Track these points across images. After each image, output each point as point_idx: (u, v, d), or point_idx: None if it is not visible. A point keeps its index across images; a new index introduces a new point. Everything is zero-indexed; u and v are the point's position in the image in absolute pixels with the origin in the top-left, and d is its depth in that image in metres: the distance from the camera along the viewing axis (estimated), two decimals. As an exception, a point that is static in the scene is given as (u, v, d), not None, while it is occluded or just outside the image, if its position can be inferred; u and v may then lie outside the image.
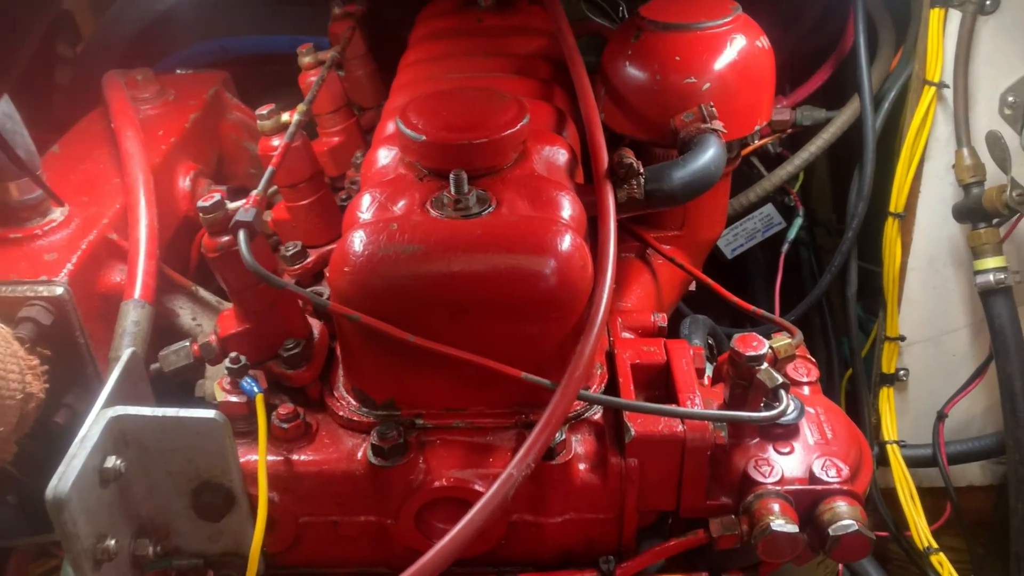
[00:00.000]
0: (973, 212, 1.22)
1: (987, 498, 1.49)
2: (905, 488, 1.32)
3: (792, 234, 1.49)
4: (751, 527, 0.83)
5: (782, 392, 0.84)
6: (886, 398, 1.40)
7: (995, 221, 1.22)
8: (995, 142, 1.20)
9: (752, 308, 1.06)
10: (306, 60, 1.24)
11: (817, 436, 0.91)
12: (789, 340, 0.91)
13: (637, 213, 0.99)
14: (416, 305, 0.83)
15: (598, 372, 0.94)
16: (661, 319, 1.05)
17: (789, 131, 1.42)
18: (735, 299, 1.08)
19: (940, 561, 1.24)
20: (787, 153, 1.54)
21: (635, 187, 0.96)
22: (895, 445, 1.37)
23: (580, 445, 0.89)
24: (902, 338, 1.38)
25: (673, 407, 0.84)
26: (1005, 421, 1.22)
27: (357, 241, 0.84)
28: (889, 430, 1.39)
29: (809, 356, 1.02)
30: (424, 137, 0.90)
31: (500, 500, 0.73)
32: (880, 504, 1.36)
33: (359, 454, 0.87)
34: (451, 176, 0.86)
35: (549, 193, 0.91)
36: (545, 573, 0.88)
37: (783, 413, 0.83)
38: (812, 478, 0.86)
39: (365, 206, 0.90)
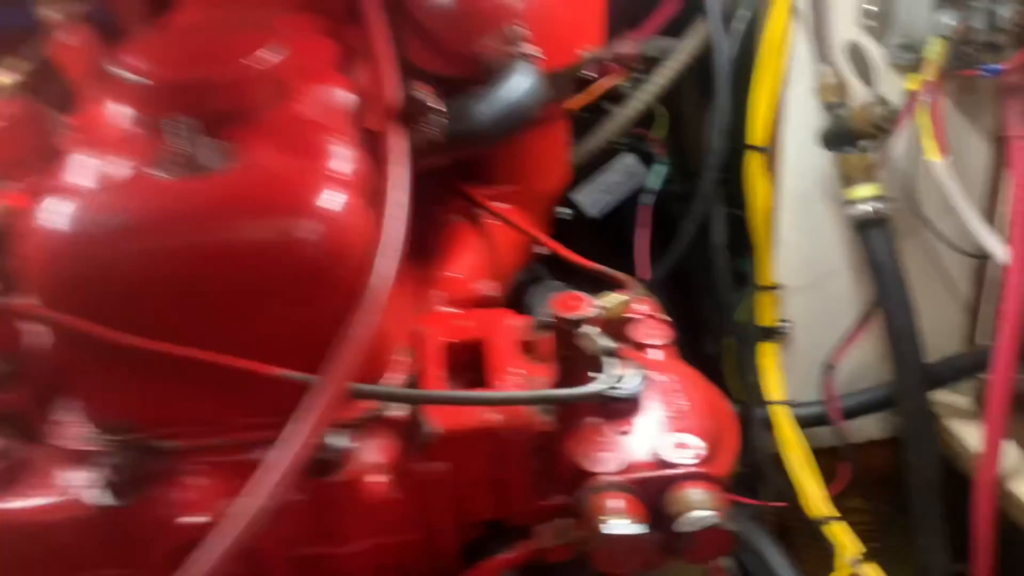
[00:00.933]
0: (840, 137, 1.09)
1: (889, 452, 1.37)
2: (796, 452, 1.19)
3: (655, 184, 1.34)
4: (586, 530, 0.66)
5: (607, 361, 0.68)
6: (768, 354, 1.27)
7: (865, 144, 1.09)
8: (856, 56, 1.06)
9: (590, 264, 0.90)
10: (51, 15, 1.02)
11: (668, 409, 0.75)
12: (619, 298, 0.75)
13: (444, 161, 0.82)
14: (132, 293, 0.64)
15: (402, 359, 0.77)
16: (489, 287, 0.89)
17: (639, 67, 1.26)
18: (573, 255, 0.92)
19: (835, 531, 1.11)
20: (647, 95, 1.39)
21: (433, 128, 0.79)
22: (783, 406, 1.24)
23: (376, 452, 0.71)
24: (779, 286, 1.24)
25: (471, 392, 0.68)
26: (893, 367, 1.10)
27: (48, 216, 0.65)
28: (773, 390, 1.25)
29: (663, 316, 0.86)
30: (146, 79, 0.71)
31: (234, 541, 0.55)
32: (773, 473, 1.23)
33: (85, 494, 0.67)
34: (173, 125, 0.67)
35: (318, 141, 0.73)
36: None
37: (611, 386, 0.67)
38: (660, 462, 0.70)
39: (67, 172, 0.70)
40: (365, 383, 0.71)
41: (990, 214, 1.20)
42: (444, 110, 0.78)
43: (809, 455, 1.19)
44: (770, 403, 1.25)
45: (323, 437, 0.66)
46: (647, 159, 1.43)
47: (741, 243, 1.31)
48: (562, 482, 0.71)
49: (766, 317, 1.26)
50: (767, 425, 1.25)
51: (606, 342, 0.69)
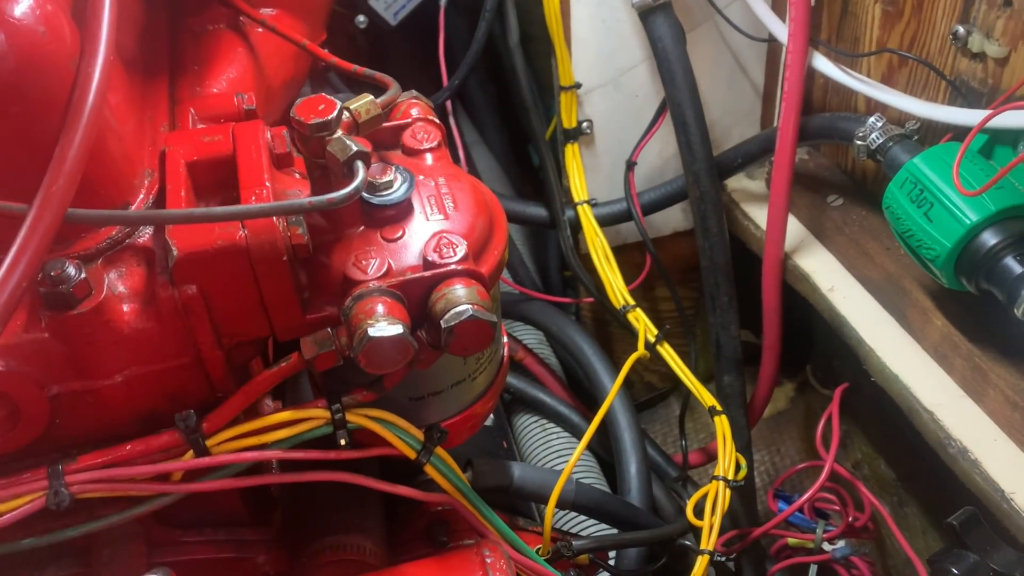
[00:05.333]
0: (622, -80, 1.05)
1: (694, 242, 1.44)
2: (598, 248, 1.22)
3: (449, -16, 1.27)
4: (351, 337, 0.66)
5: (359, 165, 0.65)
6: (572, 155, 1.27)
7: (648, -72, 1.06)
8: None
9: (353, 67, 0.85)
10: None
11: (436, 212, 0.74)
12: (369, 98, 0.71)
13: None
14: None
15: (146, 181, 0.72)
16: (248, 100, 0.83)
17: None
18: (333, 59, 0.86)
19: (636, 317, 1.17)
20: None
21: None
22: (586, 205, 1.26)
23: (123, 281, 0.67)
24: (578, 85, 1.23)
25: (206, 209, 0.64)
26: (682, 155, 1.12)
27: None
28: (579, 190, 1.27)
29: (433, 118, 0.83)
30: None
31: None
32: (580, 270, 1.26)
33: None
34: None
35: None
36: (110, 449, 0.68)
37: (358, 191, 0.64)
38: (425, 263, 0.70)
39: None
40: (100, 207, 0.67)
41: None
42: None
43: (609, 252, 1.22)
44: (576, 204, 1.27)
45: (56, 268, 0.62)
46: (441, -42, 1.35)
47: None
48: (331, 293, 0.70)
49: (568, 118, 1.26)
50: (574, 227, 1.27)
51: (357, 146, 0.66)
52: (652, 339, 1.15)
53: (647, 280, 1.37)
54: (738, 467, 1.03)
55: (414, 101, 0.85)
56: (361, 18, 1.34)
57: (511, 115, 1.56)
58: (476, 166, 1.73)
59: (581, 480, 1.24)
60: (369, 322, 0.65)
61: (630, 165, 1.27)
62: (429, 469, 0.76)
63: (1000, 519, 0.87)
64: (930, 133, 1.05)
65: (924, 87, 1.05)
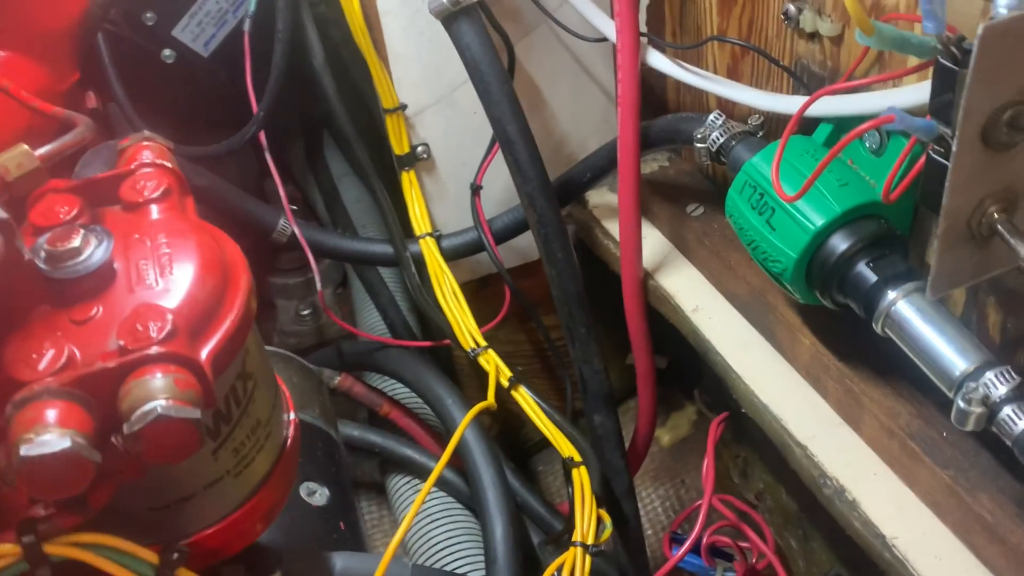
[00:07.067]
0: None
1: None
2: (444, 285, 1.09)
3: (252, 6, 1.13)
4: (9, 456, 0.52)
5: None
6: (410, 184, 1.14)
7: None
8: None
9: (53, 109, 0.71)
10: None
11: (146, 280, 0.60)
12: (22, 149, 0.57)
13: None
14: None
15: None
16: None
17: None
18: (40, 104, 0.72)
19: (487, 359, 1.03)
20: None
21: None
22: (429, 238, 1.13)
23: None
24: (404, 107, 1.10)
25: None
26: (512, 176, 0.99)
27: None
28: (420, 222, 1.14)
29: (165, 163, 0.69)
30: None
31: None
32: (431, 310, 1.13)
33: None
34: None
35: None
36: None
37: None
38: (117, 349, 0.56)
39: None
40: None
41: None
42: None
43: (456, 289, 1.09)
44: (418, 238, 1.14)
45: None
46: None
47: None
48: (7, 399, 0.56)
49: (399, 143, 1.13)
50: (417, 262, 1.14)
51: (-5, 213, 0.52)
52: (506, 383, 1.02)
53: (523, 310, 1.24)
54: (601, 526, 0.89)
55: (145, 144, 0.71)
56: (167, 52, 1.20)
57: (382, 141, 1.44)
58: (343, 199, 1.60)
59: (459, 550, 1.12)
60: (26, 436, 0.50)
61: (475, 189, 1.14)
62: (169, 599, 0.61)
63: (884, 569, 0.75)
64: (781, 127, 0.93)
65: (768, 76, 0.94)
